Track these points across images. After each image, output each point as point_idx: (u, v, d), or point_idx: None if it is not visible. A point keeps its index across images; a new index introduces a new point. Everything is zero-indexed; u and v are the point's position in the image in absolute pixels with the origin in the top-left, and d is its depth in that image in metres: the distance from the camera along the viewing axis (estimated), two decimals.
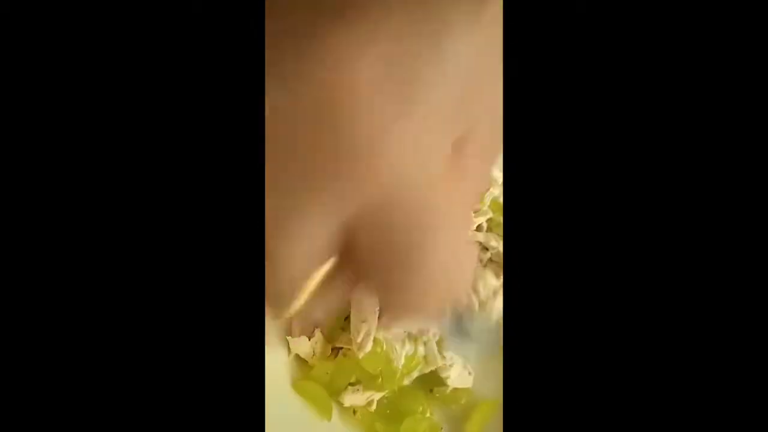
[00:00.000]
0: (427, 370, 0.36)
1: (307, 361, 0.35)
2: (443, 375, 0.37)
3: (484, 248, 0.39)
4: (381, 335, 0.33)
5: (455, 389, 0.37)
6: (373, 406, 0.35)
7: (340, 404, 0.35)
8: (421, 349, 0.36)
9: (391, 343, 0.34)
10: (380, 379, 0.34)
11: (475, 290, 0.35)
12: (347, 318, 0.34)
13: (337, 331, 0.34)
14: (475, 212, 0.38)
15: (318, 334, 0.34)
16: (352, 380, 0.34)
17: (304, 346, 0.34)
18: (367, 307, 0.33)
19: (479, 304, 0.35)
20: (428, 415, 0.36)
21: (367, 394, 0.34)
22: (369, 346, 0.33)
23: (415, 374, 0.36)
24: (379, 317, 0.33)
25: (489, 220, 0.39)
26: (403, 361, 0.34)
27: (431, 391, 0.37)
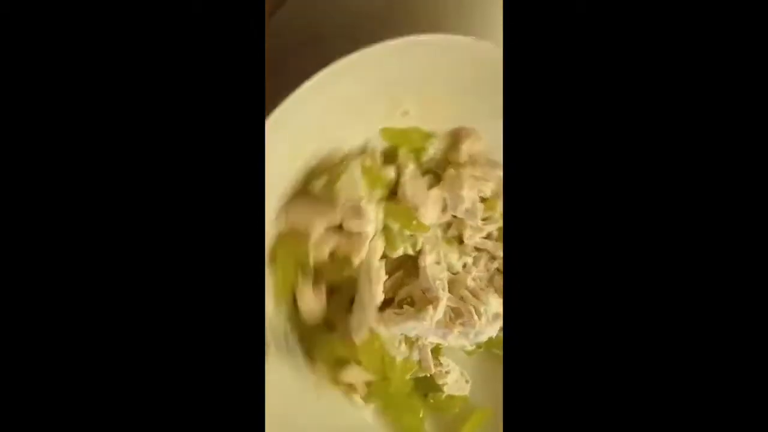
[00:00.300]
0: (420, 375, 0.36)
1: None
2: (440, 381, 0.37)
3: (492, 258, 0.39)
4: (381, 330, 0.33)
5: (450, 396, 0.37)
6: (370, 387, 0.35)
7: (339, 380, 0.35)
8: (415, 354, 0.35)
9: (390, 341, 0.34)
10: (382, 367, 0.34)
11: (478, 313, 0.35)
12: (353, 300, 0.34)
13: (342, 312, 0.34)
14: (484, 220, 0.38)
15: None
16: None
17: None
18: (367, 295, 0.33)
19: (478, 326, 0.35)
20: (422, 415, 0.36)
21: (366, 374, 0.34)
22: (362, 334, 0.33)
23: (408, 378, 0.36)
24: (380, 310, 0.33)
25: (499, 229, 0.39)
26: (401, 359, 0.34)
27: (426, 396, 0.37)
